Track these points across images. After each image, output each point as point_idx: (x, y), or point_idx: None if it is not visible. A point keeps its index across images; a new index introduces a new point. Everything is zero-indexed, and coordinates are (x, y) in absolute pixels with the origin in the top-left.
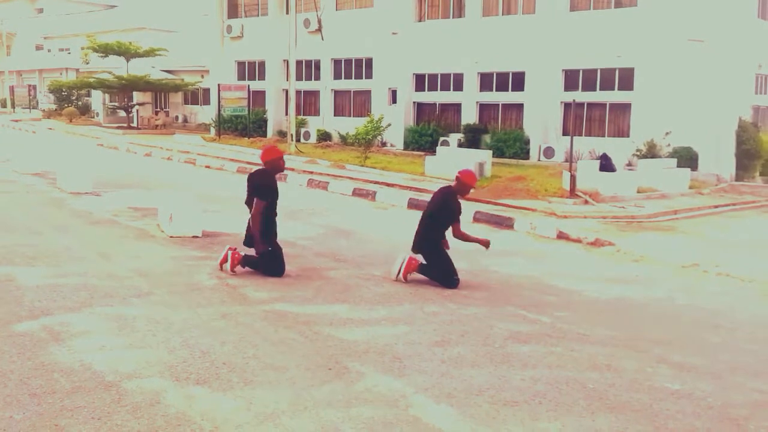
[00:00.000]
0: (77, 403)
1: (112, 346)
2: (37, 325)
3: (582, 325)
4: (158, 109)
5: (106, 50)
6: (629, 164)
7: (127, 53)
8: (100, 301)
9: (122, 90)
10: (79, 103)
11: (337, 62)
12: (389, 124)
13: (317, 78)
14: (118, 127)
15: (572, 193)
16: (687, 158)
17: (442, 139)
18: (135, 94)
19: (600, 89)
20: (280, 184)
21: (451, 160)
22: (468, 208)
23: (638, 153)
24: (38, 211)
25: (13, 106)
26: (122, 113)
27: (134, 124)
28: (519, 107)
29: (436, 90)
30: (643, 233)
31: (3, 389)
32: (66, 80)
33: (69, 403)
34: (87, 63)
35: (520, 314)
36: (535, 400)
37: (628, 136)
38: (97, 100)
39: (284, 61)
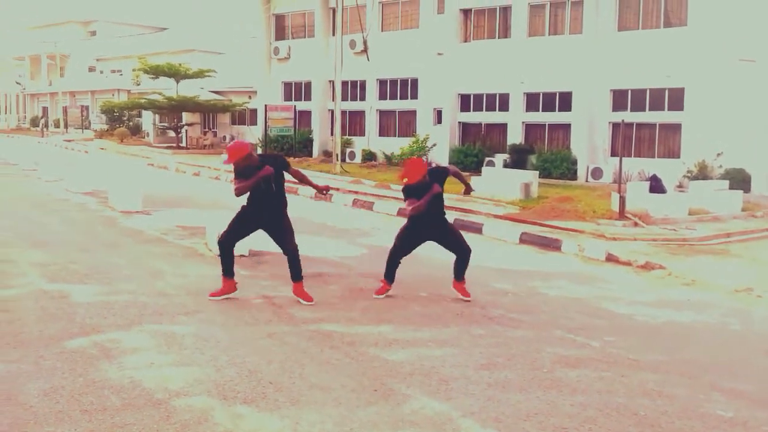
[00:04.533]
0: (127, 420)
1: (161, 363)
2: (88, 341)
3: (632, 350)
4: (206, 130)
5: (156, 72)
6: (680, 186)
7: (177, 75)
8: (149, 318)
9: (172, 111)
10: (130, 123)
11: (382, 83)
12: (434, 144)
13: (362, 98)
14: (167, 147)
15: (621, 214)
16: (739, 180)
17: (487, 159)
18: (184, 114)
19: (649, 109)
20: (325, 204)
21: (496, 181)
22: (514, 230)
23: (689, 174)
24: (90, 230)
25: (66, 126)
26: (172, 133)
27: (183, 144)
28: (566, 127)
29: (482, 110)
30: (694, 256)
31: (55, 405)
32: (118, 101)
33: (119, 420)
34: (138, 84)
35: (569, 338)
36: (584, 427)
37: (678, 157)
38: (148, 120)
39: (330, 81)
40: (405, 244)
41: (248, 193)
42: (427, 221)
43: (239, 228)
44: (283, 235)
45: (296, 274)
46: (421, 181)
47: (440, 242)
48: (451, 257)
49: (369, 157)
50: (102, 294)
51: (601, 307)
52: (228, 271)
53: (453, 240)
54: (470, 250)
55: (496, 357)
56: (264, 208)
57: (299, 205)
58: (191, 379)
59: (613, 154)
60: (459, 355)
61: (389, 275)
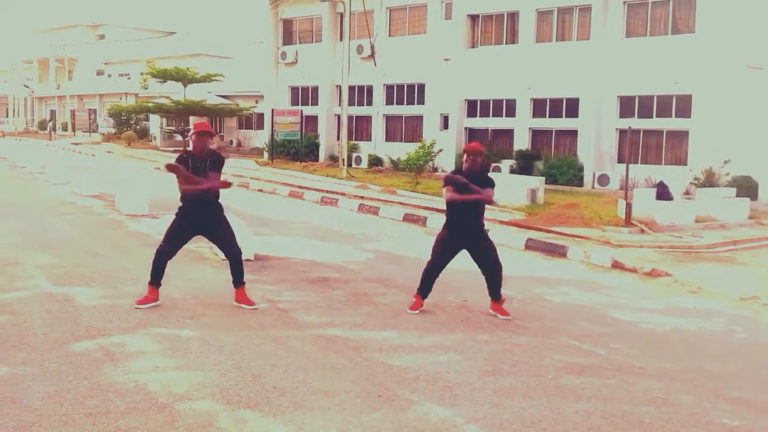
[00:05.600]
0: (131, 423)
1: (166, 367)
2: (93, 344)
3: (638, 358)
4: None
5: (164, 76)
6: (687, 193)
7: (185, 79)
8: (154, 322)
9: (179, 114)
10: (138, 127)
11: (389, 88)
12: (441, 150)
13: (369, 103)
14: (174, 151)
15: (627, 221)
16: (746, 187)
17: (493, 165)
18: (191, 118)
19: (657, 116)
20: (331, 209)
21: (503, 187)
22: (520, 236)
23: (696, 182)
24: (96, 233)
25: (73, 129)
26: (179, 137)
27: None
28: (573, 134)
29: (488, 116)
30: (701, 264)
31: (59, 408)
32: (125, 105)
33: (123, 423)
34: (146, 88)
35: (574, 345)
36: None
37: (685, 164)
38: (155, 124)
39: (337, 86)
40: (442, 257)
41: (183, 198)
42: (465, 229)
43: (179, 236)
44: (226, 237)
45: (239, 279)
46: (477, 170)
47: (472, 253)
48: (457, 263)
49: (375, 162)
50: (107, 297)
51: (606, 314)
52: (156, 281)
53: (485, 253)
54: (501, 267)
55: (500, 363)
56: (203, 210)
57: (305, 209)
58: (195, 383)
59: (620, 160)
60: (463, 361)
61: (424, 291)
